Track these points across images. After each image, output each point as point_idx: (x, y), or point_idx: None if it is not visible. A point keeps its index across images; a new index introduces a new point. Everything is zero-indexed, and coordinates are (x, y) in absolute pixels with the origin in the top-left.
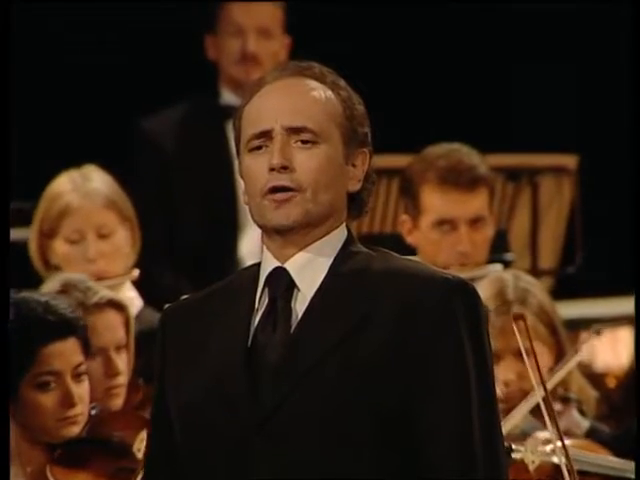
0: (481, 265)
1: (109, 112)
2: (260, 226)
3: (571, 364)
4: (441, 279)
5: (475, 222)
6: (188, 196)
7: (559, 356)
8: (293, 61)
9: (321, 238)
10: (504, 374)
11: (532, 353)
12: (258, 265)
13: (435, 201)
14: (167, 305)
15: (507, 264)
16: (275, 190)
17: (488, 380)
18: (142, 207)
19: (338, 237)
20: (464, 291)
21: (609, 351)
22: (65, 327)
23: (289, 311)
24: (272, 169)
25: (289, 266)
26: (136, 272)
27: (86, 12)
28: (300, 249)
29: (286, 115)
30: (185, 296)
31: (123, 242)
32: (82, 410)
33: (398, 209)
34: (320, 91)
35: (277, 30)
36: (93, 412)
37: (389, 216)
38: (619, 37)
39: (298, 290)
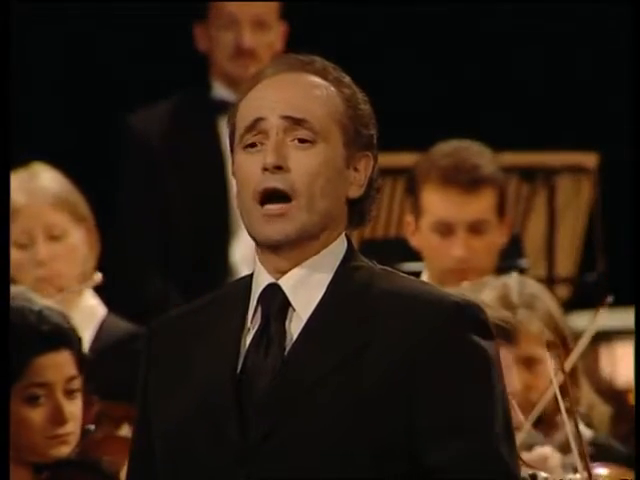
0: (487, 273)
1: (95, 108)
2: (250, 236)
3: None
4: (449, 303)
5: (476, 227)
6: (177, 196)
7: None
8: (294, 54)
9: (319, 251)
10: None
11: (567, 389)
12: (251, 277)
13: (434, 202)
14: (153, 321)
15: (521, 271)
16: (267, 195)
17: (503, 406)
18: (129, 208)
19: (337, 250)
20: (473, 317)
21: (631, 366)
22: (59, 338)
23: (283, 333)
24: (265, 169)
25: (284, 283)
26: (98, 277)
27: (72, 6)
28: (295, 263)
29: (284, 106)
30: (173, 310)
31: (78, 244)
32: (73, 429)
33: (403, 211)
34: (321, 88)
35: (273, 19)
36: (88, 430)
37: (393, 219)
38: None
39: (293, 310)
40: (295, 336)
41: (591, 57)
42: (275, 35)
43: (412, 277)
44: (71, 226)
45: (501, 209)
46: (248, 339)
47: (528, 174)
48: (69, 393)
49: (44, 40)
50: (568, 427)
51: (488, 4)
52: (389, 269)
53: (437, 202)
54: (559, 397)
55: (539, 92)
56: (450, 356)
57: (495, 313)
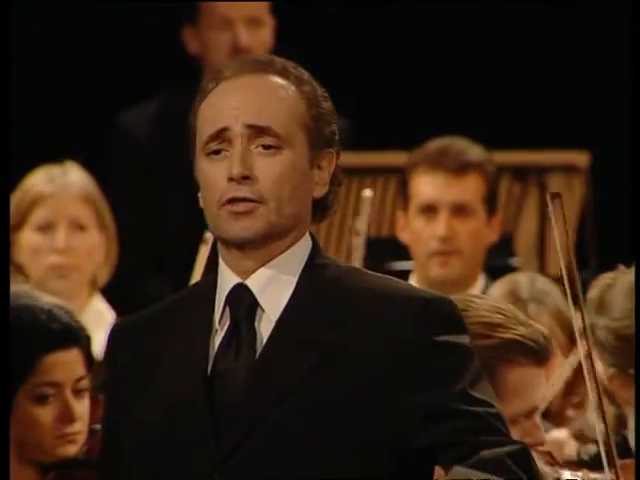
0: (472, 265)
1: (87, 108)
2: (216, 237)
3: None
4: (417, 300)
5: (459, 209)
6: (169, 196)
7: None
8: (251, 56)
9: (284, 250)
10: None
11: (567, 247)
12: (214, 277)
13: (421, 185)
14: (115, 322)
15: (513, 270)
16: (234, 200)
17: (488, 393)
18: (122, 207)
19: (303, 248)
20: (441, 312)
21: None
22: (69, 336)
23: (253, 335)
24: (231, 179)
25: (251, 283)
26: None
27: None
28: (261, 263)
29: (248, 113)
30: (137, 312)
31: (97, 243)
32: (81, 428)
33: (395, 211)
34: (283, 90)
35: (265, 16)
36: (95, 429)
37: (385, 218)
38: (631, 29)
39: (262, 311)
40: (265, 337)
41: (584, 55)
42: (268, 31)
43: (379, 274)
44: (93, 224)
45: (490, 203)
46: (217, 340)
47: (520, 173)
48: (78, 392)
49: (38, 41)
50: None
51: (483, 4)
52: (355, 266)
53: (423, 185)
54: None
55: (531, 91)
56: (422, 355)
57: (527, 331)
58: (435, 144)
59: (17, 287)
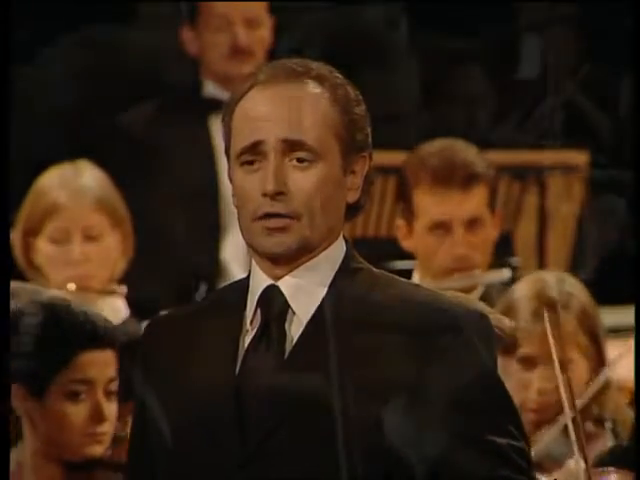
0: (483, 269)
1: (87, 108)
2: (247, 245)
3: (600, 380)
4: (452, 310)
5: (472, 224)
6: (168, 195)
7: (600, 368)
8: (287, 60)
9: (318, 254)
10: (540, 382)
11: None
12: (247, 279)
13: (428, 204)
14: (149, 320)
15: (512, 270)
16: (268, 215)
17: (513, 409)
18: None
19: (337, 252)
20: (478, 324)
21: (624, 364)
22: (105, 337)
23: (283, 336)
24: (265, 194)
25: (283, 285)
26: (122, 290)
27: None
28: (294, 268)
29: (282, 127)
30: (170, 311)
31: (112, 247)
32: (109, 429)
33: (394, 210)
34: (318, 99)
35: (264, 15)
36: (120, 436)
37: (384, 217)
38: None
39: (293, 313)
40: (295, 339)
41: (584, 55)
42: (266, 30)
43: (411, 282)
44: (108, 229)
45: (492, 204)
46: (247, 340)
47: (519, 173)
48: (108, 394)
49: (38, 41)
50: (567, 415)
51: (486, 5)
52: (388, 273)
53: (432, 203)
54: (557, 368)
55: (531, 89)
56: (456, 366)
57: (494, 320)
58: (433, 155)
59: (26, 284)
